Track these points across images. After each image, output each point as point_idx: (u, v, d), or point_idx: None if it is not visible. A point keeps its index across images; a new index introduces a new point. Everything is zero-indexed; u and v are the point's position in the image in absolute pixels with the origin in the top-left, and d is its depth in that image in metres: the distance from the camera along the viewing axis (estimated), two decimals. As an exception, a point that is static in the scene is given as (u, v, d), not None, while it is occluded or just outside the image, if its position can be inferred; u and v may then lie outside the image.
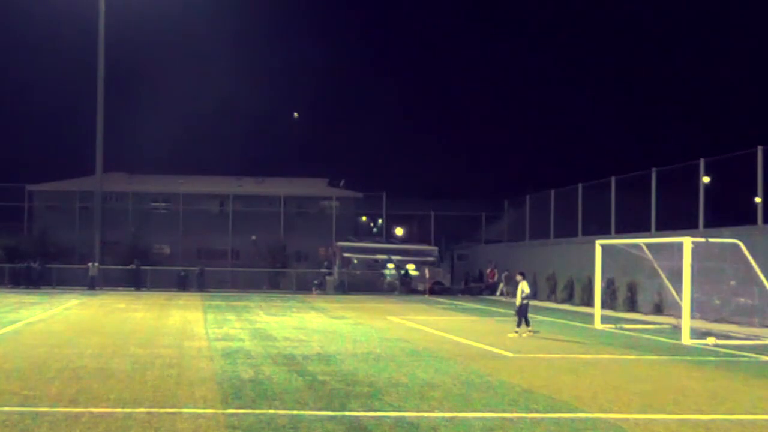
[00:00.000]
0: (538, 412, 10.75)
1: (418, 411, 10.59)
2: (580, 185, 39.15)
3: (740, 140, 45.59)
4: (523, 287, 21.33)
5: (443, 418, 10.21)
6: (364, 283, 47.80)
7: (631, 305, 32.56)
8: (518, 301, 21.35)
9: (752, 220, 27.14)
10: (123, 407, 10.41)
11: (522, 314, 21.22)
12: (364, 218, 66.73)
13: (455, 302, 39.06)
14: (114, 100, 75.67)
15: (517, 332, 21.11)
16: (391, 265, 49.00)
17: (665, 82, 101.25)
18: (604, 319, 25.29)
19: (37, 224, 54.22)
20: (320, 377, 13.25)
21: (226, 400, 11.08)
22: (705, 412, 10.99)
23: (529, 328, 21.43)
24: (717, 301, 25.62)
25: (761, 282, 21.52)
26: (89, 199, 51.07)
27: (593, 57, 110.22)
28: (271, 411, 10.37)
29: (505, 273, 44.05)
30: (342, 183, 62.87)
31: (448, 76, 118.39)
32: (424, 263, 48.71)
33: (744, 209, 30.01)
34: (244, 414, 10.15)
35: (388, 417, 10.17)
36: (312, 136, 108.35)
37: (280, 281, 49.83)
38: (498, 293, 44.41)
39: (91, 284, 44.85)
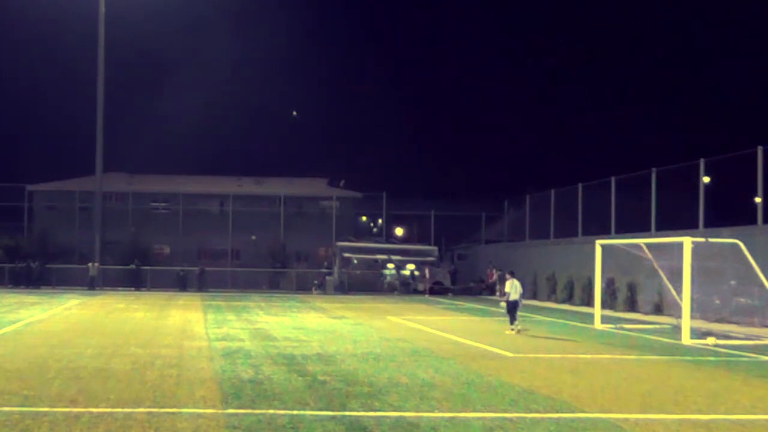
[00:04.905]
0: (538, 412, 10.74)
1: (418, 411, 10.59)
2: (580, 185, 39.15)
3: (740, 140, 45.61)
4: (506, 286, 22.15)
5: (443, 418, 10.21)
6: (364, 283, 47.79)
7: (631, 305, 32.55)
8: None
9: (752, 220, 27.13)
10: (123, 407, 10.41)
11: (508, 311, 22.16)
12: (364, 218, 66.70)
13: (455, 302, 39.06)
14: (114, 100, 75.65)
15: (512, 329, 21.85)
16: (391, 265, 48.99)
17: (665, 81, 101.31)
18: (604, 319, 25.29)
19: (37, 224, 54.24)
20: (320, 377, 13.25)
21: (226, 400, 11.07)
22: (705, 412, 10.98)
23: (511, 327, 21.93)
24: (717, 301, 25.61)
25: (761, 282, 21.51)
26: (89, 199, 51.07)
27: (593, 57, 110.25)
28: (271, 411, 10.37)
29: (499, 272, 44.16)
30: (342, 183, 62.87)
31: (448, 76, 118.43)
32: (424, 263, 48.69)
33: (744, 209, 30.02)
34: (244, 414, 10.15)
35: (388, 417, 10.16)
36: (312, 136, 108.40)
37: (280, 281, 49.86)
38: (498, 293, 44.43)
39: (91, 284, 44.87)
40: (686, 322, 20.66)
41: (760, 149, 26.94)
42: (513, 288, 21.87)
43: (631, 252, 26.07)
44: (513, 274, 22.64)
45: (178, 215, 55.03)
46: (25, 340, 18.22)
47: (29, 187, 55.14)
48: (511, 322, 21.97)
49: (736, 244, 21.78)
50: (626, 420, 10.33)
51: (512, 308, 21.99)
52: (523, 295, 22.82)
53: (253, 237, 53.82)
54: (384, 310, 31.67)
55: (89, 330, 20.93)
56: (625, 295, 32.97)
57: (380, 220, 61.29)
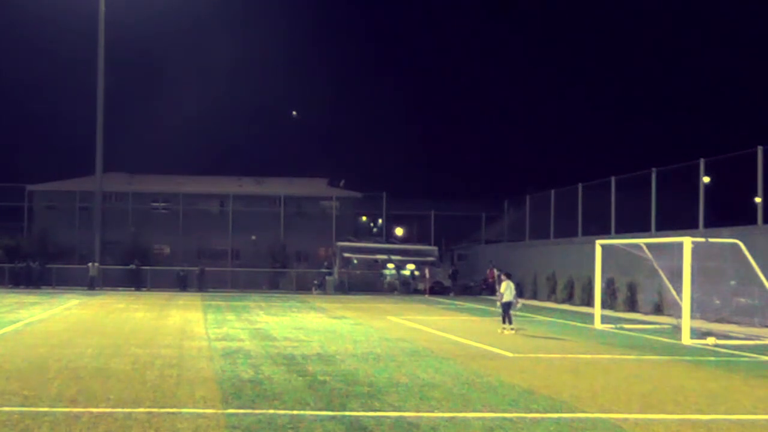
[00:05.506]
0: (538, 412, 10.74)
1: (418, 411, 10.58)
2: (580, 185, 39.15)
3: (740, 140, 45.60)
4: (502, 287, 22.45)
5: (443, 418, 10.21)
6: (364, 283, 47.80)
7: (631, 305, 32.55)
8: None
9: (752, 220, 27.13)
10: (123, 407, 10.41)
11: (503, 311, 22.32)
12: (364, 218, 66.69)
13: (455, 302, 39.06)
14: (114, 100, 75.62)
15: (512, 329, 22.08)
16: (391, 265, 48.98)
17: (665, 81, 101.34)
18: (604, 319, 25.28)
19: (37, 224, 54.24)
20: (320, 377, 13.24)
21: (226, 400, 11.07)
22: (705, 412, 10.98)
23: (510, 326, 22.10)
24: (717, 301, 25.61)
25: (761, 282, 21.50)
26: (89, 199, 51.07)
27: (593, 56, 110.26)
28: (271, 411, 10.36)
29: (499, 273, 44.16)
30: (342, 183, 62.87)
31: (448, 76, 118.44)
32: (424, 263, 48.67)
33: (744, 209, 30.03)
34: (244, 414, 10.15)
35: (388, 417, 10.16)
36: (312, 136, 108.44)
37: (280, 281, 49.86)
38: (497, 293, 44.42)
39: (91, 284, 44.88)
40: (686, 322, 20.65)
41: (760, 149, 26.94)
42: (508, 289, 22.09)
43: (631, 252, 26.06)
44: (509, 276, 22.97)
45: (178, 215, 55.04)
46: (25, 340, 18.22)
47: (29, 187, 55.13)
48: (510, 323, 22.14)
49: (736, 244, 21.77)
50: (626, 420, 10.32)
51: (506, 309, 22.13)
52: (518, 296, 23.08)
53: (253, 237, 53.82)
54: (384, 310, 31.67)
55: (89, 330, 20.92)
56: (625, 295, 32.98)
57: (380, 220, 61.28)
